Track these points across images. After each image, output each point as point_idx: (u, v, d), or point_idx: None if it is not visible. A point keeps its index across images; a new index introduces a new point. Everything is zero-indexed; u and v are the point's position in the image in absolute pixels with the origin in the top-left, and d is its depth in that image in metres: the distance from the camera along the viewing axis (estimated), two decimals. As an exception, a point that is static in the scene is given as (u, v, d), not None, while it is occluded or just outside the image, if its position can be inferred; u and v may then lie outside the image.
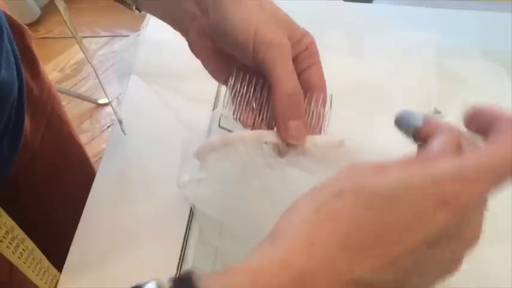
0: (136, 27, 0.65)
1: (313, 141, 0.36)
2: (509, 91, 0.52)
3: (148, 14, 0.65)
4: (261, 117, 0.38)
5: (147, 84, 0.54)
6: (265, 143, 0.36)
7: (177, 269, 0.45)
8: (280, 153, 0.37)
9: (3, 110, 0.46)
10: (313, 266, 0.24)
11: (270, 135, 0.36)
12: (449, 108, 0.53)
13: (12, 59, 0.48)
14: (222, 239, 0.48)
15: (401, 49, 0.54)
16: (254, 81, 0.38)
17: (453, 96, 0.53)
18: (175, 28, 0.42)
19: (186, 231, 0.47)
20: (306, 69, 0.38)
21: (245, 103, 0.38)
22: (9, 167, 0.51)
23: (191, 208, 0.48)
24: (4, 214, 0.37)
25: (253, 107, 0.38)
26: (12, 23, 0.53)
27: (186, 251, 0.47)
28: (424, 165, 0.26)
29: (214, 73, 0.41)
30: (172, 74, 0.56)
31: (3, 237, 0.37)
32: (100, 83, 0.48)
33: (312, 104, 0.37)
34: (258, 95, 0.38)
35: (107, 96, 0.50)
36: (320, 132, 0.37)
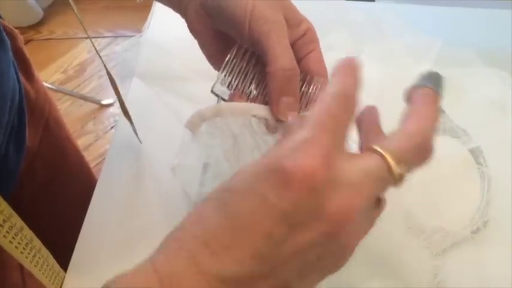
0: (138, 27, 0.65)
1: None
2: (510, 92, 0.52)
3: (150, 15, 0.65)
4: (257, 93, 0.38)
5: (149, 86, 0.54)
6: (255, 116, 0.36)
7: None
8: (269, 127, 0.37)
9: (10, 115, 0.46)
10: (178, 266, 0.24)
11: (259, 109, 0.36)
12: (449, 110, 0.52)
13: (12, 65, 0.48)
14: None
15: (402, 49, 0.54)
16: (254, 59, 0.38)
17: (453, 97, 0.53)
18: (174, 9, 0.41)
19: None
20: (304, 56, 0.38)
21: (242, 77, 0.38)
22: (17, 170, 0.51)
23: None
24: (14, 214, 0.37)
25: (249, 82, 0.38)
26: (4, 27, 0.53)
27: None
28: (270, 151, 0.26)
29: (211, 58, 0.41)
30: (174, 75, 0.56)
31: (12, 237, 0.37)
32: (111, 79, 0.48)
33: (312, 86, 0.37)
34: (256, 71, 0.38)
35: (116, 91, 0.49)
36: None
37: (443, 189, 0.47)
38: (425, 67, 0.53)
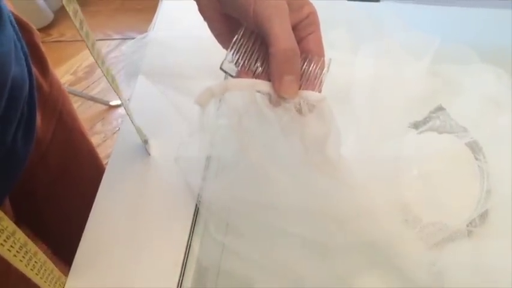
0: (146, 29, 0.66)
1: (301, 95, 0.39)
2: (509, 90, 0.52)
3: (155, 16, 0.66)
4: (261, 70, 0.40)
5: (154, 85, 0.55)
6: (259, 91, 0.39)
7: (182, 266, 0.46)
8: (271, 102, 0.39)
9: (17, 105, 0.48)
10: None
11: (263, 85, 0.39)
12: (447, 107, 0.53)
13: (23, 56, 0.50)
14: (228, 235, 0.49)
15: (400, 47, 0.55)
16: (259, 39, 0.40)
17: (451, 94, 0.54)
18: None
19: (191, 228, 0.48)
20: (305, 37, 0.40)
21: (248, 55, 0.40)
22: (25, 160, 0.52)
23: (196, 204, 0.49)
24: (5, 217, 0.38)
25: (255, 60, 0.40)
26: (19, 21, 0.54)
27: (191, 248, 0.47)
28: None
29: (219, 37, 0.43)
30: (178, 73, 0.57)
31: (4, 240, 0.37)
32: (111, 84, 0.49)
33: (312, 65, 0.39)
34: (261, 50, 0.40)
35: (120, 96, 0.50)
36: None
37: (442, 184, 0.48)
38: (423, 64, 0.53)
